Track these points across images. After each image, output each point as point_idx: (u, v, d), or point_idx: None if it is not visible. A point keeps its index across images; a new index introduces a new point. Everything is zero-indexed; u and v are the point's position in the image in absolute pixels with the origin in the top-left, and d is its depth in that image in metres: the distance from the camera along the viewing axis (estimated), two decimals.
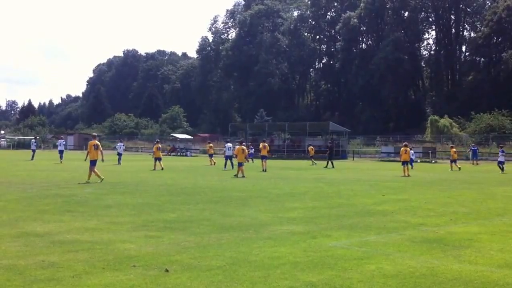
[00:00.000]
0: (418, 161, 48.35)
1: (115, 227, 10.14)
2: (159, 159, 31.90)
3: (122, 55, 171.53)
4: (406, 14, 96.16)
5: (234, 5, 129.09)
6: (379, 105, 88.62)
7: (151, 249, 8.16)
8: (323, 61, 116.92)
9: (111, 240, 8.85)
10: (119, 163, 36.73)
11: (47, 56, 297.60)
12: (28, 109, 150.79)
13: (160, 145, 33.16)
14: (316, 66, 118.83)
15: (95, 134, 25.53)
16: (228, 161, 32.45)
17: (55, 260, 7.32)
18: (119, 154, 39.22)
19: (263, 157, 31.90)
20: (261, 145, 33.38)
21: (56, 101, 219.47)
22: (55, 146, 60.86)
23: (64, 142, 43.52)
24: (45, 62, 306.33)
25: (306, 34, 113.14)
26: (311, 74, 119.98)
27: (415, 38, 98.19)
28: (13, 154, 59.24)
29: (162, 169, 30.13)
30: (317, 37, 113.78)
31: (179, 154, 67.03)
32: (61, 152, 40.31)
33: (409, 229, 10.37)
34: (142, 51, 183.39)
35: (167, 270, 6.82)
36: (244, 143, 33.07)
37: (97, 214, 11.92)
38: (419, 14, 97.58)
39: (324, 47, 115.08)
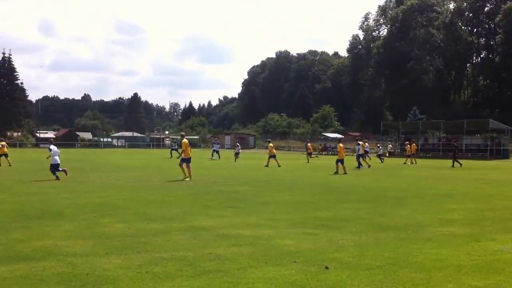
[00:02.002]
0: None
1: (274, 223, 10.49)
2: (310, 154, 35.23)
3: (275, 56, 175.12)
4: None
5: (386, 2, 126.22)
6: None
7: (309, 246, 8.34)
8: (481, 56, 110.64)
9: (271, 235, 9.18)
10: (235, 160, 39.38)
11: (205, 61, 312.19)
12: (189, 110, 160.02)
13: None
14: (474, 61, 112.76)
15: (184, 133, 26.75)
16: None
17: (220, 253, 7.75)
18: (214, 151, 43.65)
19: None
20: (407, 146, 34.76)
21: (214, 102, 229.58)
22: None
23: (218, 144, 46.73)
24: (203, 67, 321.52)
25: (462, 27, 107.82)
26: (468, 69, 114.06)
27: None
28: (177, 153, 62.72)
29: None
30: (475, 30, 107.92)
31: (330, 153, 67.16)
32: (216, 151, 43.85)
33: None
34: (293, 52, 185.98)
35: (327, 267, 6.94)
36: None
37: (256, 210, 12.41)
38: None
39: (482, 40, 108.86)
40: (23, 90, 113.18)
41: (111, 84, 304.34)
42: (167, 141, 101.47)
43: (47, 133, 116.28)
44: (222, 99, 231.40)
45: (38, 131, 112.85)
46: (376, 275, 6.62)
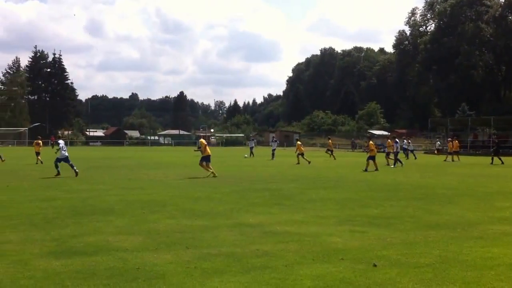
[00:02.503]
0: None
1: (320, 221, 10.47)
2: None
3: (319, 53, 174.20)
4: None
5: None
6: None
7: (357, 243, 8.31)
8: None
9: (318, 233, 9.16)
10: (272, 158, 38.66)
11: (250, 58, 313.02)
12: (234, 108, 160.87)
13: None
14: None
15: (201, 134, 27.30)
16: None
17: (268, 249, 7.79)
18: (251, 148, 44.30)
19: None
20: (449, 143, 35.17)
21: (259, 100, 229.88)
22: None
23: (254, 140, 47.36)
24: (248, 65, 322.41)
25: None
26: None
27: None
28: (223, 150, 63.28)
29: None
30: None
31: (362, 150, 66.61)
32: (251, 149, 44.51)
33: None
34: (338, 48, 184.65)
35: (375, 265, 6.90)
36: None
37: (303, 207, 12.41)
38: None
39: None
40: (73, 90, 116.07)
41: (157, 83, 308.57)
42: (212, 139, 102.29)
43: (96, 131, 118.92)
44: (267, 96, 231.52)
45: (88, 130, 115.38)
46: (426, 273, 6.54)
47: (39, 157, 31.05)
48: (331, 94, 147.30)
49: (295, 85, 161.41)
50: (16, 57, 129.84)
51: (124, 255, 7.36)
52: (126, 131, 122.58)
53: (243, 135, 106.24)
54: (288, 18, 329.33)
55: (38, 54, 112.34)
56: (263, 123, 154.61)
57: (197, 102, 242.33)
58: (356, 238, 8.70)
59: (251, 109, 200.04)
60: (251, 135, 52.92)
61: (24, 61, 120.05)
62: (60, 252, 7.53)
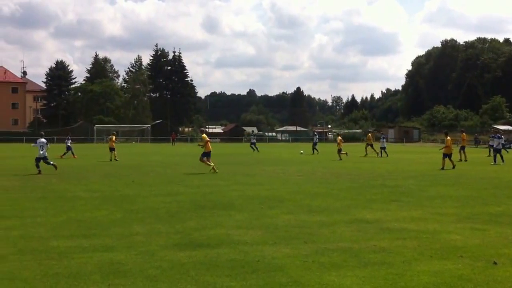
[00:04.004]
0: None
1: (440, 218, 10.33)
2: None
3: (440, 45, 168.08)
4: None
5: None
6: None
7: (477, 241, 8.16)
8: None
9: (437, 230, 9.07)
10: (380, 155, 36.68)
11: (367, 52, 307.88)
12: (352, 104, 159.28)
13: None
14: None
15: (203, 129, 27.23)
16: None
17: (385, 245, 7.85)
18: (315, 144, 41.64)
19: None
20: None
21: (377, 95, 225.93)
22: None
23: (317, 135, 45.58)
24: (365, 59, 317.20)
25: None
26: None
27: None
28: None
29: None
30: None
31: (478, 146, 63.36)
32: (314, 144, 42.23)
33: None
34: (460, 40, 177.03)
35: (495, 263, 6.78)
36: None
37: (422, 204, 12.25)
38: None
39: None
40: (192, 87, 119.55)
41: (273, 79, 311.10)
42: (330, 135, 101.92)
43: (215, 128, 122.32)
44: (385, 91, 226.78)
45: (207, 126, 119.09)
46: None
47: (114, 153, 30.94)
48: (453, 88, 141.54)
49: (414, 79, 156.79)
50: (138, 56, 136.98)
51: (244, 248, 7.72)
52: (244, 128, 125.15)
53: (361, 131, 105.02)
54: (406, 9, 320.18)
55: (159, 52, 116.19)
56: (381, 119, 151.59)
57: (314, 97, 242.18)
58: (476, 236, 8.54)
59: (369, 104, 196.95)
60: (314, 131, 51.49)
61: (146, 60, 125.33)
62: (184, 244, 8.01)
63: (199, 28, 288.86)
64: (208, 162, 22.41)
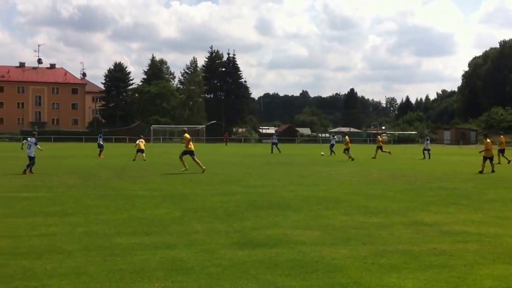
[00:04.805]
0: None
1: (501, 222, 10.12)
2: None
3: (498, 46, 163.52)
4: None
5: None
6: None
7: None
8: None
9: (498, 234, 8.90)
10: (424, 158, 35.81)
11: (421, 53, 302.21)
12: (406, 105, 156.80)
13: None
14: None
15: (186, 129, 27.45)
16: None
17: (445, 248, 7.75)
18: (332, 146, 40.98)
19: None
20: None
21: (432, 96, 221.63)
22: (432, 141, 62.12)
23: (335, 138, 44.62)
24: (420, 60, 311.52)
25: None
26: None
27: None
28: (394, 148, 62.10)
29: None
30: None
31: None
32: (331, 146, 41.33)
33: None
34: None
35: None
36: None
37: (481, 207, 12.02)
38: None
39: None
40: (246, 88, 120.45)
41: (326, 80, 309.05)
42: (384, 137, 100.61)
43: (269, 129, 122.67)
44: (441, 92, 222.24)
45: (261, 127, 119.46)
46: None
47: (143, 154, 31.09)
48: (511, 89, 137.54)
49: (471, 80, 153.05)
50: (194, 58, 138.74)
51: (303, 248, 7.75)
52: (297, 129, 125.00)
53: (415, 132, 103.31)
54: (461, 10, 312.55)
55: (214, 54, 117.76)
56: (437, 120, 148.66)
57: (368, 99, 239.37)
58: None
59: (424, 105, 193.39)
60: (332, 132, 50.74)
61: (201, 61, 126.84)
62: (243, 243, 8.10)
63: (252, 30, 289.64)
64: (191, 162, 22.44)
